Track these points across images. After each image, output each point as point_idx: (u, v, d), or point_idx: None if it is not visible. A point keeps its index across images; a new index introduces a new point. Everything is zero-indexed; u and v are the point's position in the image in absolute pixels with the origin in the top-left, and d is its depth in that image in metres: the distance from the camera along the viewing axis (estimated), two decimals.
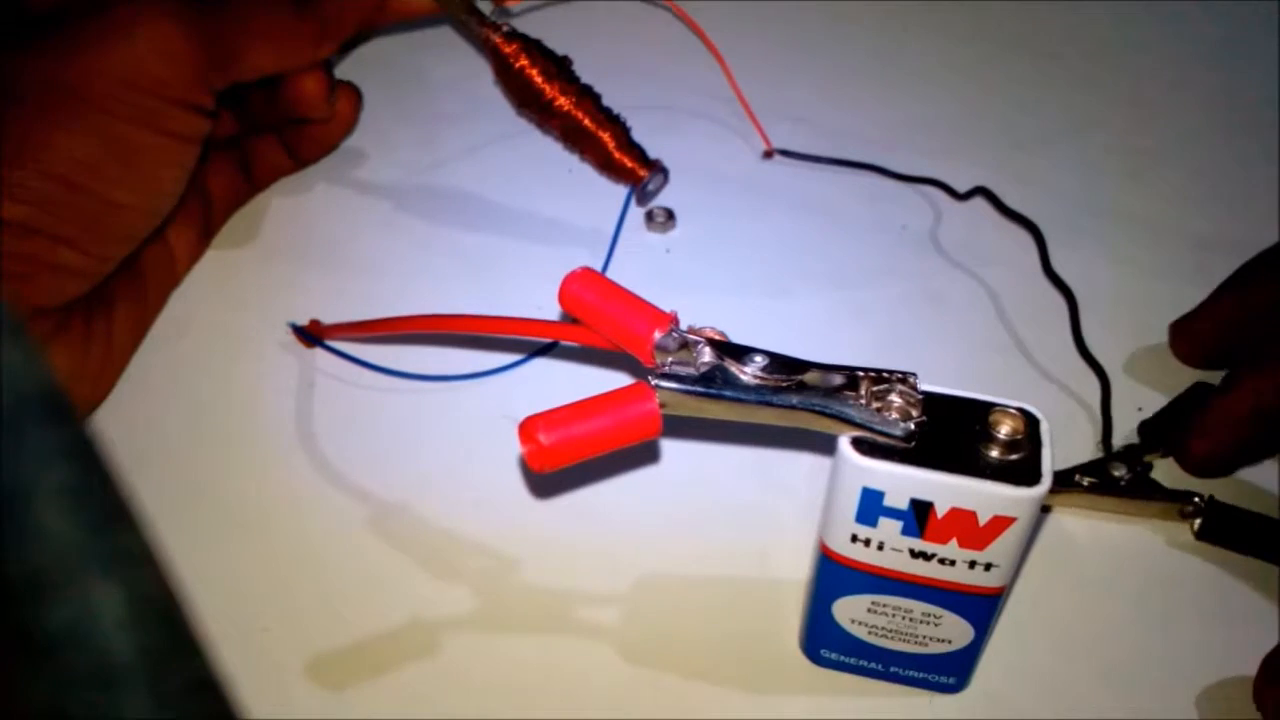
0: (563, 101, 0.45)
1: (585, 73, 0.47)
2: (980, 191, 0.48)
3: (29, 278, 0.35)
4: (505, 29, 0.45)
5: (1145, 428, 0.39)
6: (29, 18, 0.37)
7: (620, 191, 0.47)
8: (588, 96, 0.46)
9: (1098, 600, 0.35)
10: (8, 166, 0.34)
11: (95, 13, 0.36)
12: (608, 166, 0.47)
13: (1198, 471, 0.38)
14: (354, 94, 0.48)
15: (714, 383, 0.28)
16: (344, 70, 0.52)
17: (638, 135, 0.47)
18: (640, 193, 0.47)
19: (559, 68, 0.46)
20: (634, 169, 0.46)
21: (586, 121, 0.46)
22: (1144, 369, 0.42)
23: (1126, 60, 0.56)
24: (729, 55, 0.49)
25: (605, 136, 0.46)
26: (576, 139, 0.46)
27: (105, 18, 0.36)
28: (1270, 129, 0.52)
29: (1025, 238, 0.47)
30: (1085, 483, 0.37)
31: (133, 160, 0.37)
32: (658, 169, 0.47)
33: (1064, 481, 0.36)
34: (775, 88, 0.52)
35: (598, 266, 0.45)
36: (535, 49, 0.45)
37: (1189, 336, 0.41)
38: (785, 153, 0.49)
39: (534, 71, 0.45)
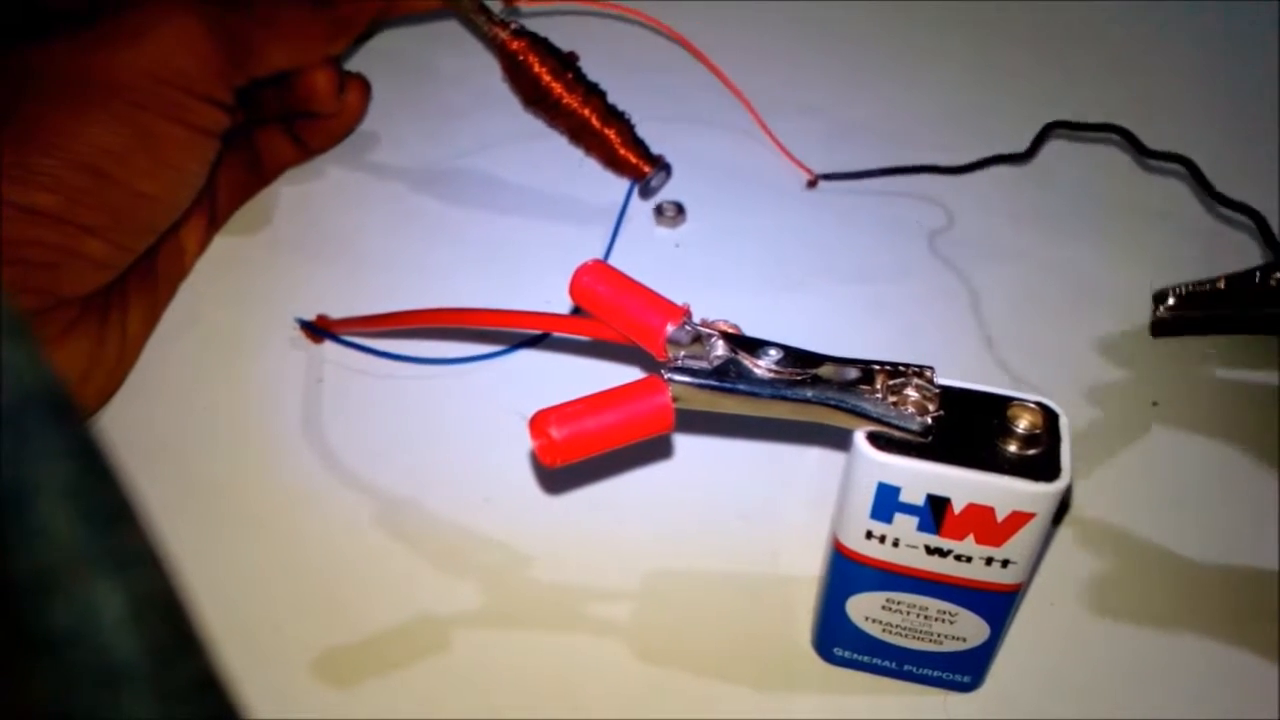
0: (569, 99, 0.46)
1: (594, 69, 0.46)
2: (991, 161, 0.47)
3: (56, 267, 0.35)
4: (514, 26, 0.45)
5: None
6: (50, 11, 0.38)
7: (628, 184, 0.47)
8: (594, 94, 0.46)
9: (1115, 598, 0.35)
10: (39, 154, 0.34)
11: (121, 9, 0.37)
12: (612, 163, 0.47)
13: None
14: (363, 85, 0.48)
15: (727, 376, 0.28)
16: (353, 62, 0.52)
17: (649, 129, 0.47)
18: (644, 188, 0.47)
19: (566, 66, 0.46)
20: (638, 164, 0.46)
21: (593, 119, 0.46)
22: (1158, 361, 0.41)
23: (1135, 54, 0.56)
24: (742, 52, 0.49)
25: (610, 134, 0.46)
26: (583, 136, 0.47)
27: (134, 14, 0.37)
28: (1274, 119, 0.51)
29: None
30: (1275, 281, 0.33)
31: (159, 152, 0.37)
32: (660, 165, 0.47)
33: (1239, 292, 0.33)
34: (781, 84, 0.52)
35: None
36: (543, 47, 0.46)
37: None
38: (829, 176, 0.48)
39: (542, 69, 0.45)
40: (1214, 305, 0.36)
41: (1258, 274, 0.36)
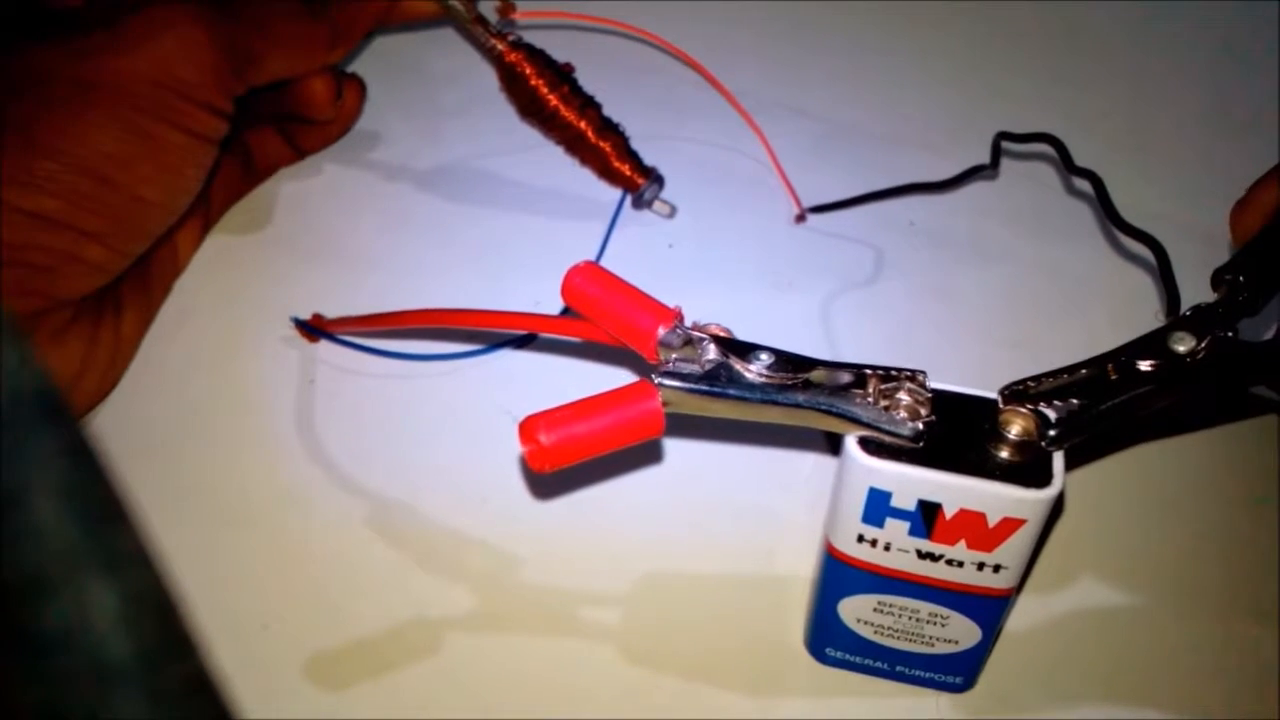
0: (566, 112, 0.46)
1: (587, 74, 0.47)
2: (978, 171, 0.47)
3: (54, 271, 0.35)
4: (511, 38, 0.46)
5: (1225, 273, 0.29)
6: (49, 13, 0.38)
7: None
8: (590, 107, 0.46)
9: (1109, 599, 0.35)
10: (41, 157, 0.34)
11: (123, 13, 0.37)
12: (606, 174, 0.47)
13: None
14: (358, 86, 0.48)
15: (718, 381, 0.28)
16: (347, 62, 0.52)
17: (643, 130, 0.47)
18: (636, 199, 0.47)
19: (562, 78, 0.46)
20: (631, 177, 0.47)
21: (588, 132, 0.46)
22: None
23: (1127, 56, 0.56)
24: (728, 54, 0.49)
25: (605, 146, 0.46)
26: (578, 148, 0.47)
27: (137, 20, 0.37)
28: (1272, 123, 0.51)
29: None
30: (1147, 367, 0.27)
31: (160, 158, 0.37)
32: (653, 177, 0.47)
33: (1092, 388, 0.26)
34: (770, 86, 0.52)
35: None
36: (540, 59, 0.46)
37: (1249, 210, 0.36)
38: (817, 209, 0.47)
39: (539, 82, 0.46)
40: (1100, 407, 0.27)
41: (1122, 358, 0.28)
